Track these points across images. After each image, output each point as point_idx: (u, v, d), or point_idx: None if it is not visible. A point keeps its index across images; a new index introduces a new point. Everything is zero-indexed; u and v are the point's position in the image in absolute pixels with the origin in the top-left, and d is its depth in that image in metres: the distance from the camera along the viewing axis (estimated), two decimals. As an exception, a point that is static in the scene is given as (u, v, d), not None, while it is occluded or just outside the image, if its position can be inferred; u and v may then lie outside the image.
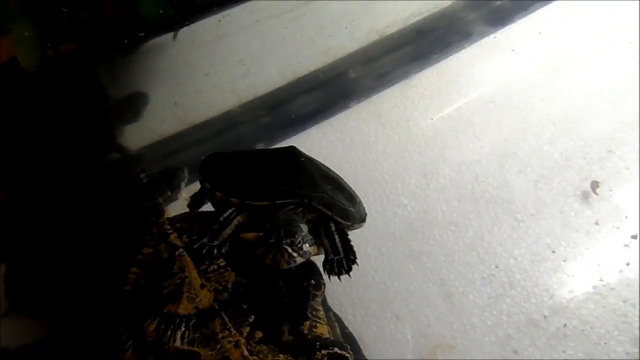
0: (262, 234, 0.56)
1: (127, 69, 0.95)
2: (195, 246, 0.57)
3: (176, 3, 0.88)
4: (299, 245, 0.55)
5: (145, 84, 0.96)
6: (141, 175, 0.86)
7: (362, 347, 0.79)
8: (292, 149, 0.72)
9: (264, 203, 0.60)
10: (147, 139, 0.96)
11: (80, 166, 0.87)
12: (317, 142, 0.98)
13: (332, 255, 0.62)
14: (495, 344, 0.80)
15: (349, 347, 0.58)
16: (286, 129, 0.98)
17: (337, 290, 0.82)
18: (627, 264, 0.86)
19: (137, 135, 0.95)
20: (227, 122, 0.99)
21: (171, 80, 0.99)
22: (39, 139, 0.85)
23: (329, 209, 0.62)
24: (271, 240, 0.55)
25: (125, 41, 0.85)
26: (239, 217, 0.61)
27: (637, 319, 0.81)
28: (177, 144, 0.95)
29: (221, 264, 0.57)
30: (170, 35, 0.92)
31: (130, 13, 0.82)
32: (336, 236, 0.63)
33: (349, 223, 0.65)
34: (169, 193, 0.84)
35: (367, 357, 0.78)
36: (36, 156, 0.84)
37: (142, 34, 0.86)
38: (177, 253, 0.56)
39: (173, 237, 0.59)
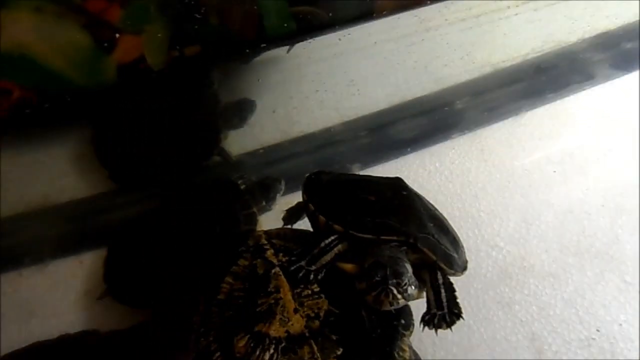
0: (363, 266, 0.55)
1: (240, 76, 0.98)
2: (292, 268, 0.57)
3: (300, 18, 0.89)
4: (405, 287, 0.53)
5: (256, 93, 0.98)
6: (239, 182, 0.88)
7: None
8: (398, 181, 0.70)
9: (369, 236, 0.59)
10: (249, 146, 0.98)
11: (185, 165, 0.90)
12: (415, 170, 0.96)
13: (435, 310, 0.59)
14: (585, 415, 0.74)
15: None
16: (385, 152, 0.97)
17: (417, 327, 0.79)
18: None
19: (240, 142, 0.97)
20: (327, 139, 0.99)
21: (281, 92, 1.01)
22: (153, 134, 0.89)
23: (433, 252, 0.60)
24: (377, 278, 0.53)
25: (247, 50, 0.88)
26: (339, 246, 0.60)
27: None
28: (277, 154, 0.97)
29: (315, 290, 0.56)
30: (289, 48, 0.94)
31: (255, 24, 0.85)
32: (442, 290, 0.60)
33: (452, 270, 0.62)
34: (264, 203, 0.85)
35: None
36: (149, 150, 0.88)
37: (264, 45, 0.88)
38: (273, 271, 0.57)
39: (270, 253, 0.59)
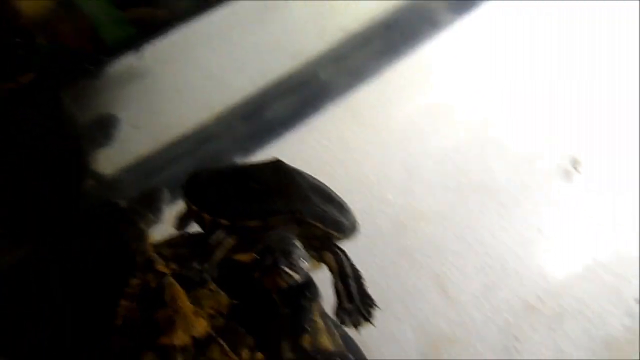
0: (257, 256, 0.54)
1: (94, 93, 0.93)
2: (184, 272, 0.55)
3: (137, 21, 0.85)
4: (296, 263, 0.54)
5: (115, 106, 0.93)
6: (119, 202, 0.84)
7: (364, 350, 0.78)
8: (276, 162, 0.71)
9: (256, 223, 0.58)
10: (123, 162, 0.93)
11: (58, 200, 0.84)
12: (296, 148, 0.97)
13: (347, 304, 0.60)
14: (495, 333, 0.80)
15: (350, 355, 0.57)
16: (263, 137, 0.97)
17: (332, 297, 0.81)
18: (615, 239, 0.86)
19: (112, 160, 0.92)
20: (203, 137, 0.97)
21: (142, 99, 0.97)
22: (11, 176, 0.82)
23: (322, 222, 0.61)
24: (267, 263, 0.53)
25: (90, 66, 0.82)
26: (229, 240, 0.59)
27: (630, 292, 0.81)
28: (154, 164, 0.93)
29: (213, 289, 0.55)
30: (136, 55, 0.90)
31: (91, 36, 0.80)
32: (351, 281, 0.61)
33: (343, 234, 0.63)
34: (151, 216, 0.82)
35: (371, 360, 0.78)
36: (12, 195, 0.81)
37: (107, 56, 0.84)
38: (166, 282, 0.55)
39: (160, 264, 0.57)
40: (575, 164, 0.94)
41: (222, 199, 0.62)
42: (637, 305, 0.81)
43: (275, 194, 0.62)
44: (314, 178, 0.73)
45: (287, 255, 0.54)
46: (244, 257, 0.58)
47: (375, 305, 0.62)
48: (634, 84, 1.01)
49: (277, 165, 0.69)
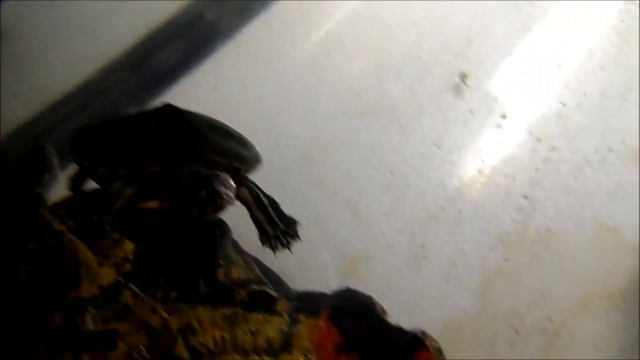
0: (178, 197, 0.54)
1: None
2: (85, 226, 0.54)
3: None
4: (227, 181, 0.54)
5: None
6: (7, 170, 0.78)
7: (286, 280, 0.80)
8: (168, 106, 0.68)
9: (156, 167, 0.57)
10: (6, 130, 0.87)
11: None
12: (192, 93, 0.94)
13: (269, 229, 0.63)
14: (404, 244, 0.86)
15: (267, 281, 0.59)
16: (155, 86, 0.93)
17: (250, 234, 0.82)
18: (502, 142, 0.94)
19: (-8, 129, 0.86)
20: (89, 93, 0.91)
21: (15, 63, 0.89)
22: None
23: (224, 156, 0.61)
24: (203, 193, 0.53)
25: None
26: (128, 190, 0.58)
27: (518, 189, 0.89)
28: (41, 127, 0.87)
29: (116, 238, 0.54)
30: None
31: None
32: (269, 208, 0.63)
33: (247, 166, 0.64)
34: (47, 175, 0.76)
35: (293, 288, 0.81)
36: None
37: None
38: (64, 239, 0.53)
39: (56, 224, 0.55)
40: (463, 77, 0.99)
41: (114, 149, 0.60)
42: (525, 200, 0.89)
43: (171, 136, 0.61)
44: (210, 117, 0.72)
45: (215, 177, 0.54)
46: (153, 205, 0.57)
47: (298, 222, 0.65)
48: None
49: (167, 109, 0.67)
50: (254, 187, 0.67)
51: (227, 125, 0.72)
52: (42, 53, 0.91)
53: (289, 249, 0.66)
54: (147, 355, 0.45)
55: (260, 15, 1.02)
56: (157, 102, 0.92)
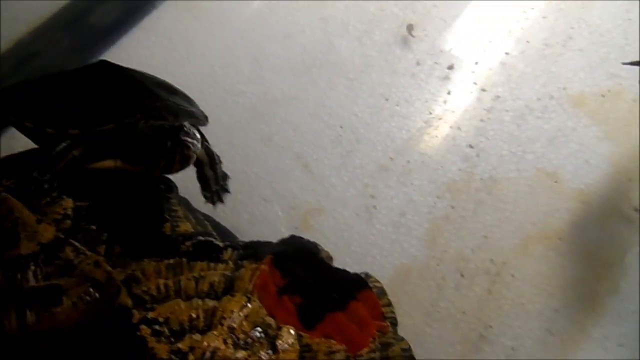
0: (143, 149, 0.54)
1: None
2: (24, 184, 0.52)
3: None
4: (191, 132, 0.54)
5: None
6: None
7: (238, 236, 0.81)
8: (103, 62, 0.66)
9: (111, 126, 0.55)
10: None
11: None
12: (134, 51, 0.92)
13: (214, 186, 0.64)
14: (355, 196, 0.87)
15: (214, 234, 0.59)
16: (93, 46, 0.90)
17: (199, 192, 0.82)
18: (448, 93, 0.95)
19: None
20: (22, 54, 0.87)
21: None
22: None
23: (176, 114, 0.60)
24: (169, 144, 0.53)
25: None
26: (74, 151, 0.56)
27: (464, 139, 0.92)
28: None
29: (55, 195, 0.53)
30: None
31: None
32: (217, 166, 0.64)
33: (198, 124, 0.63)
34: None
35: (243, 242, 0.82)
36: None
37: None
38: (-1, 198, 0.52)
39: (-11, 184, 0.53)
40: (410, 29, 0.99)
41: (61, 108, 0.57)
42: (470, 149, 0.91)
43: (119, 94, 0.59)
44: (151, 74, 0.71)
45: (180, 129, 0.53)
46: (107, 164, 0.56)
47: (229, 176, 0.68)
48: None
49: (105, 66, 0.65)
50: (208, 144, 0.67)
51: (169, 83, 0.71)
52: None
53: (223, 202, 0.68)
54: (96, 294, 0.45)
55: (201, -31, 0.99)
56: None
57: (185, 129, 0.54)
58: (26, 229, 0.49)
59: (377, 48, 0.98)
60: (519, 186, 0.89)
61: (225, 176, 0.68)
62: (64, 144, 0.56)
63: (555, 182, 0.89)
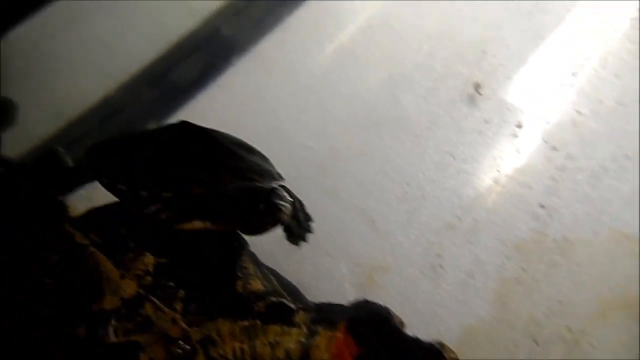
0: (227, 218, 0.56)
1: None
2: (106, 240, 0.55)
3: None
4: (283, 194, 0.56)
5: (7, 88, 0.88)
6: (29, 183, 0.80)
7: (302, 291, 0.81)
8: (185, 124, 0.68)
9: (201, 189, 0.57)
10: (28, 144, 0.89)
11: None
12: (209, 107, 0.96)
13: (298, 230, 0.66)
14: (421, 254, 0.86)
15: (285, 293, 0.60)
16: (173, 101, 0.95)
17: (266, 246, 0.83)
18: (517, 151, 0.93)
19: (16, 143, 0.88)
20: (108, 108, 0.93)
21: (34, 77, 0.91)
22: None
23: (261, 174, 0.62)
24: (262, 207, 0.54)
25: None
26: (163, 215, 0.57)
27: (534, 198, 0.89)
28: (61, 142, 0.89)
29: (137, 251, 0.55)
30: (16, 31, 0.83)
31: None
32: (300, 213, 0.65)
33: (279, 182, 0.64)
34: (63, 176, 0.76)
35: (310, 299, 0.81)
36: None
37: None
38: (87, 252, 0.54)
39: (78, 237, 0.56)
40: (477, 87, 0.99)
41: (151, 171, 0.59)
42: (541, 209, 0.88)
43: (205, 155, 0.61)
44: (228, 134, 0.73)
45: (273, 192, 0.55)
46: (196, 225, 0.57)
47: (312, 219, 0.69)
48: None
49: (186, 126, 0.67)
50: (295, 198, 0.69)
51: (246, 142, 0.73)
52: (62, 68, 0.94)
53: (306, 242, 0.69)
54: (188, 347, 0.46)
55: (275, 29, 1.04)
56: (176, 116, 0.94)
57: (277, 191, 0.55)
58: (110, 283, 0.51)
59: (443, 105, 0.98)
60: (595, 248, 0.85)
61: (308, 218, 0.69)
62: (155, 207, 0.58)
63: (634, 244, 0.84)
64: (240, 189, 0.57)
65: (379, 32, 1.05)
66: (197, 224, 0.57)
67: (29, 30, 0.89)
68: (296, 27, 1.05)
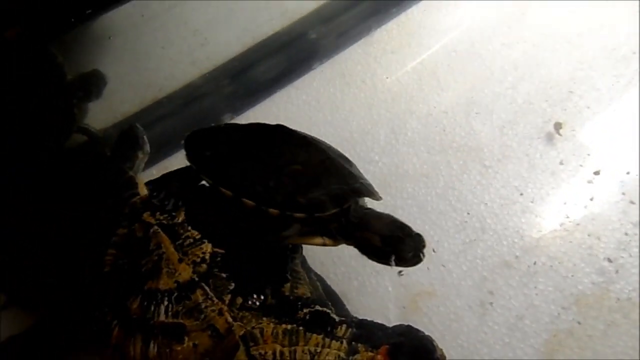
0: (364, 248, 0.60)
1: (81, 48, 0.92)
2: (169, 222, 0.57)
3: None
4: (417, 244, 0.60)
5: (102, 62, 0.93)
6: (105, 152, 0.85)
7: (345, 302, 0.81)
8: (281, 127, 0.67)
9: (334, 212, 0.58)
10: (112, 118, 0.95)
11: (44, 149, 0.85)
12: (283, 107, 0.98)
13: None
14: (471, 287, 0.84)
15: (330, 303, 0.60)
16: (251, 96, 0.98)
17: (316, 251, 0.84)
18: (591, 199, 0.89)
19: (101, 115, 0.93)
20: (189, 95, 0.97)
21: (128, 56, 0.97)
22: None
23: (374, 194, 0.64)
24: (393, 262, 0.59)
25: (72, 19, 0.81)
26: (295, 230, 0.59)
27: (602, 251, 0.84)
28: (142, 121, 0.93)
29: (197, 237, 0.57)
30: (119, 10, 0.89)
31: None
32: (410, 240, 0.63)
33: (375, 198, 0.65)
34: (140, 155, 0.80)
35: (351, 312, 0.81)
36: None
37: (89, 10, 0.83)
38: (152, 230, 0.57)
39: (146, 215, 0.59)
40: (557, 127, 0.95)
41: (262, 184, 0.59)
42: (608, 263, 0.84)
43: (326, 173, 0.61)
44: (323, 141, 0.70)
45: (404, 242, 0.59)
46: (316, 242, 0.60)
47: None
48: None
49: (283, 131, 0.66)
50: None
51: (341, 152, 0.70)
52: (155, 50, 0.98)
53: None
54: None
55: (360, 40, 1.04)
56: (251, 112, 0.97)
57: (408, 242, 0.59)
58: (169, 265, 0.53)
59: (518, 140, 0.95)
60: (660, 316, 0.79)
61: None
62: (291, 230, 0.58)
63: None
64: (369, 215, 0.62)
65: (464, 56, 1.04)
66: (318, 241, 0.59)
67: (131, 11, 0.94)
68: (381, 40, 1.05)
